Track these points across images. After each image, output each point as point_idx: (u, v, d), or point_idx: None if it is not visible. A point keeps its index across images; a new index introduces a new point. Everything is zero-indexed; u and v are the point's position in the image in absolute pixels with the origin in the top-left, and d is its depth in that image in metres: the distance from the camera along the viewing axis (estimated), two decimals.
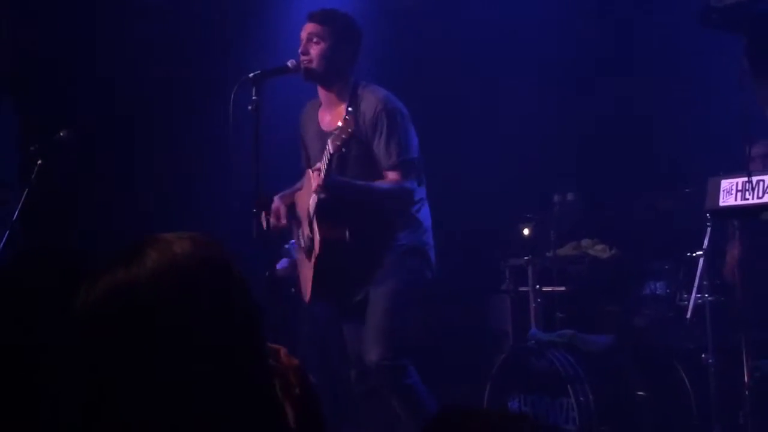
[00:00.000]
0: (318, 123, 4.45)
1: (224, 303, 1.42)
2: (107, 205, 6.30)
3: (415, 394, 4.22)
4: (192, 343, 1.38)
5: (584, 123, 6.54)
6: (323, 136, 4.32)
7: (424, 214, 4.43)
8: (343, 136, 4.08)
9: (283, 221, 4.43)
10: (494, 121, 6.56)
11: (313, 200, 4.24)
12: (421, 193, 4.42)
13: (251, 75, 4.11)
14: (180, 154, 6.54)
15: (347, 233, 4.20)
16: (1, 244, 4.60)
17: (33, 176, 4.72)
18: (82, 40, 6.38)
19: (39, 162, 4.73)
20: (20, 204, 4.70)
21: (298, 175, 4.76)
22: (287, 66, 4.27)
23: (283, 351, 1.58)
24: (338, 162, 4.25)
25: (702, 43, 5.47)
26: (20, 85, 6.35)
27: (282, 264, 5.98)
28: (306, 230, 4.35)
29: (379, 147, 4.28)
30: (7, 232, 4.65)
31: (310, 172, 4.30)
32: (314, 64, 4.32)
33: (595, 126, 6.56)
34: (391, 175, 4.29)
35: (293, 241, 6.01)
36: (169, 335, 1.37)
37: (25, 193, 4.70)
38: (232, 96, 4.04)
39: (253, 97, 4.10)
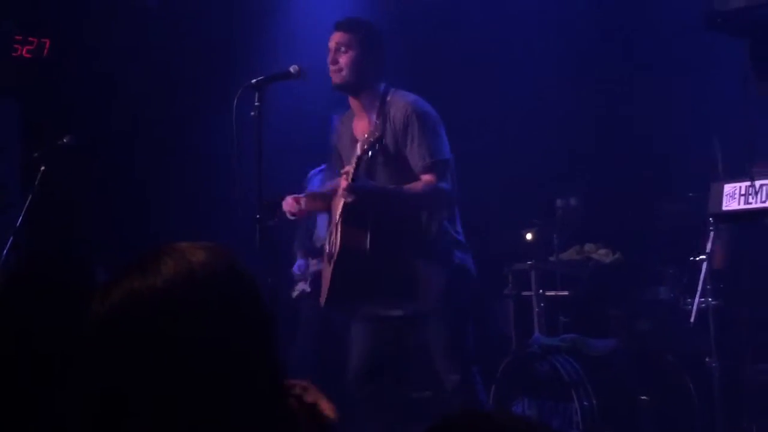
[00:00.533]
0: (352, 131, 4.45)
1: (239, 313, 1.43)
2: (109, 210, 6.31)
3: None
4: (206, 352, 1.38)
5: (588, 127, 6.54)
6: (356, 143, 4.32)
7: (460, 230, 4.43)
8: (371, 139, 4.08)
9: (303, 210, 4.43)
10: (498, 126, 6.57)
11: (340, 204, 4.24)
12: (454, 206, 4.42)
13: (254, 81, 4.11)
14: (183, 160, 6.55)
15: (368, 241, 4.19)
16: (5, 250, 4.61)
17: (36, 182, 4.72)
18: (84, 45, 6.40)
19: (42, 168, 4.74)
20: (23, 210, 4.70)
21: (299, 181, 4.76)
22: (290, 71, 4.26)
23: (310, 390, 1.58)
24: (366, 170, 4.25)
25: (707, 46, 5.47)
26: (24, 89, 6.36)
27: (297, 268, 6.04)
28: (333, 235, 4.36)
29: (412, 151, 4.26)
30: (11, 238, 4.65)
31: (341, 178, 4.30)
32: (344, 74, 4.32)
33: (598, 130, 6.56)
34: (426, 177, 4.26)
35: (300, 262, 6.02)
36: (184, 344, 1.38)
37: (28, 199, 4.71)
38: (235, 102, 4.03)
39: (256, 103, 4.09)
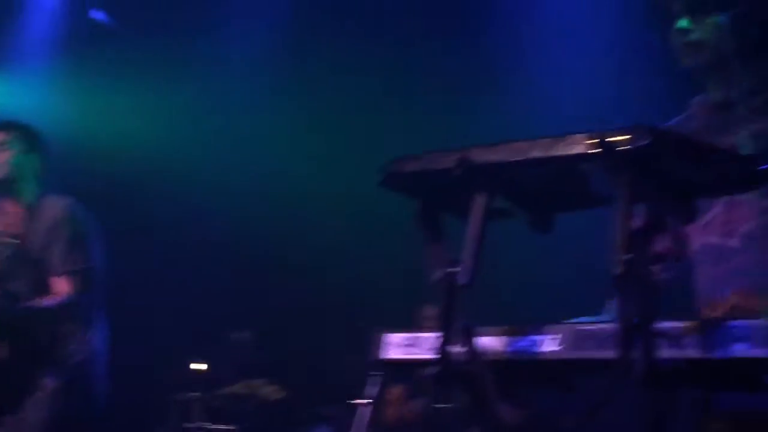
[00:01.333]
0: None
1: None
2: None
3: None
4: None
5: (264, 264, 6.67)
6: None
7: (98, 340, 4.30)
8: (7, 241, 4.01)
9: None
10: (177, 254, 6.54)
11: None
12: (98, 316, 4.30)
13: None
14: None
15: (4, 351, 4.03)
16: None
17: None
18: None
19: None
20: None
21: None
22: None
23: None
24: (6, 270, 4.12)
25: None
26: None
27: None
28: None
29: (54, 254, 4.17)
30: None
31: None
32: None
33: (277, 268, 6.69)
34: (62, 285, 4.16)
35: None
36: None
37: None
38: None
39: None
